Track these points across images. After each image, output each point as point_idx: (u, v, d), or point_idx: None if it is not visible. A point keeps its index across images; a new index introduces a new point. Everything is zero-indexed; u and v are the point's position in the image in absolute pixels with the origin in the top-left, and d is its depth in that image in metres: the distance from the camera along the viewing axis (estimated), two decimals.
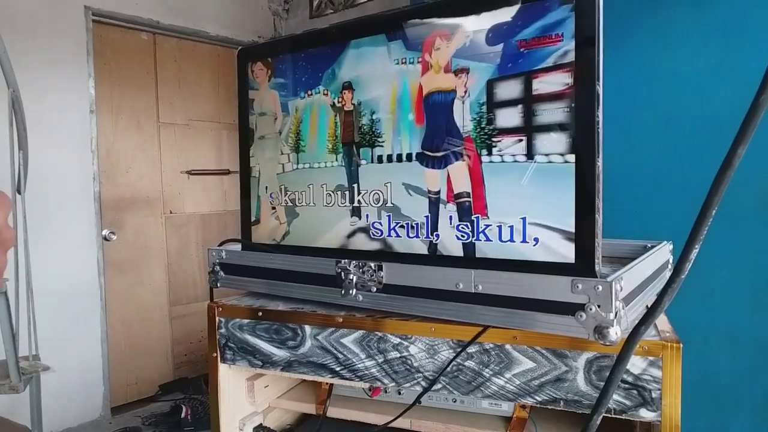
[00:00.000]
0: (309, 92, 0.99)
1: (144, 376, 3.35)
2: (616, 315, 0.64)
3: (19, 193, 2.33)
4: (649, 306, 0.86)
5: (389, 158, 0.89)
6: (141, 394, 3.32)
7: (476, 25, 0.79)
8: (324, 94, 0.97)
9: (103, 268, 3.12)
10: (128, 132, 3.28)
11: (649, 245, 1.03)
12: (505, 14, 0.76)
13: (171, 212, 3.49)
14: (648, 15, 1.99)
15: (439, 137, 0.83)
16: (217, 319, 1.02)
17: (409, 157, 0.87)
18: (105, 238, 3.11)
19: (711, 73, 1.89)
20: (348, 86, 0.93)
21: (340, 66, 0.94)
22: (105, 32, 3.13)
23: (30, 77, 2.68)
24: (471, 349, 0.81)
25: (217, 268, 1.09)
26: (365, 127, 0.92)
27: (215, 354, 1.03)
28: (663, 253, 0.99)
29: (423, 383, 0.85)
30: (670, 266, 1.01)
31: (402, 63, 0.87)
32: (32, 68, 2.74)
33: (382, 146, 0.90)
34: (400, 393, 1.05)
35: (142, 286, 3.37)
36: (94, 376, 3.09)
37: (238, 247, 1.12)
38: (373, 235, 0.92)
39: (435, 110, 0.84)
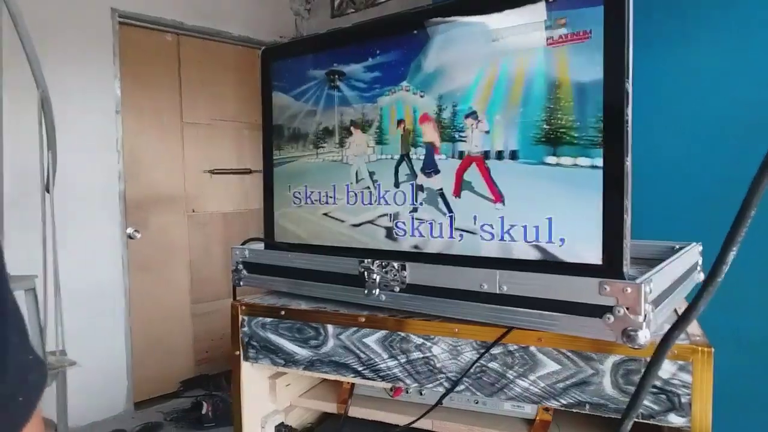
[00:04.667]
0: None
1: (166, 373, 3.40)
2: (645, 318, 0.63)
3: (48, 191, 2.39)
4: (677, 309, 0.84)
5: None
6: (163, 389, 3.37)
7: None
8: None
9: (128, 266, 3.18)
10: (152, 132, 3.33)
11: (677, 246, 1.00)
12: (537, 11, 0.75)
13: (194, 211, 3.54)
14: (672, 13, 1.95)
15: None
16: (240, 317, 1.03)
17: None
18: (129, 237, 3.17)
19: (736, 70, 1.85)
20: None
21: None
22: (130, 33, 3.19)
23: (57, 78, 2.75)
24: (495, 351, 0.80)
25: (241, 266, 1.10)
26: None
27: (238, 352, 1.04)
28: (692, 255, 0.97)
29: (446, 384, 0.84)
30: (699, 268, 0.98)
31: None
32: (60, 69, 2.80)
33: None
34: (421, 393, 1.04)
35: (165, 284, 3.42)
36: (117, 371, 3.15)
37: (261, 246, 1.12)
38: (397, 234, 0.92)
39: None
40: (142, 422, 3.01)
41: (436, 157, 0.86)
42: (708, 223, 1.60)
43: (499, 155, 0.79)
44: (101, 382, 3.04)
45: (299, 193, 1.07)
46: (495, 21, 0.80)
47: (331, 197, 1.01)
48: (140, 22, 3.21)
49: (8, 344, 0.41)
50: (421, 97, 0.87)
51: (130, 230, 3.17)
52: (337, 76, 0.97)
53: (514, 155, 0.78)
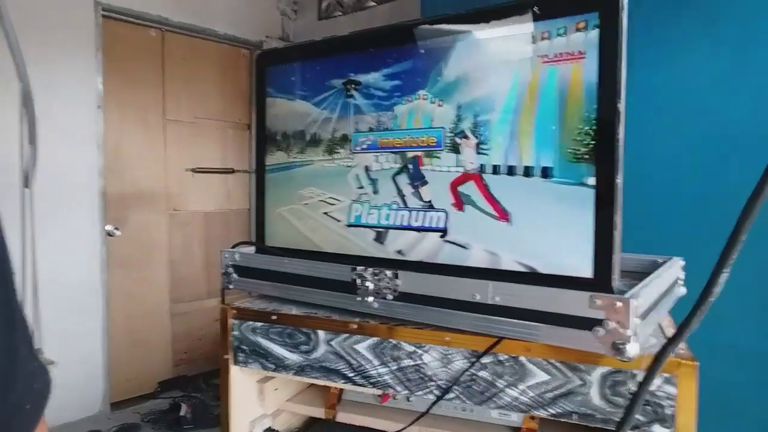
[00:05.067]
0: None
1: (144, 373, 3.35)
2: (634, 331, 0.65)
3: (27, 186, 2.34)
4: (661, 323, 0.87)
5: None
6: (140, 390, 3.32)
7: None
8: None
9: (106, 263, 3.12)
10: (135, 128, 3.29)
11: (660, 260, 1.03)
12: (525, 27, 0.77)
13: (175, 209, 3.50)
14: (659, 26, 2.00)
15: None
16: (230, 321, 1.03)
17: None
18: (109, 234, 3.12)
19: (721, 85, 1.89)
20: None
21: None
22: (114, 28, 3.14)
23: (39, 71, 2.68)
24: (485, 360, 0.82)
25: (230, 269, 1.10)
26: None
27: (227, 356, 1.04)
28: (674, 269, 1.00)
29: (436, 392, 0.86)
30: (680, 282, 1.01)
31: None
32: (41, 62, 2.74)
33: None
34: (409, 400, 1.05)
35: (144, 283, 3.37)
36: (94, 371, 3.09)
37: (251, 249, 1.12)
38: (389, 241, 0.93)
39: None
40: (118, 423, 2.96)
41: (422, 168, 0.88)
42: (689, 236, 1.65)
43: (495, 170, 0.81)
44: (77, 382, 2.99)
45: (302, 191, 1.07)
46: (489, 34, 0.82)
47: (333, 199, 1.02)
48: (124, 17, 3.16)
49: (18, 355, 0.42)
50: (441, 105, 0.88)
51: (109, 227, 3.12)
52: (353, 86, 0.97)
53: (510, 171, 0.79)
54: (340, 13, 3.72)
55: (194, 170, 3.58)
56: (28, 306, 2.31)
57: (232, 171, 3.77)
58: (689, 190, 1.96)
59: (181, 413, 2.95)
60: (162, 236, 3.45)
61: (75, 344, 2.98)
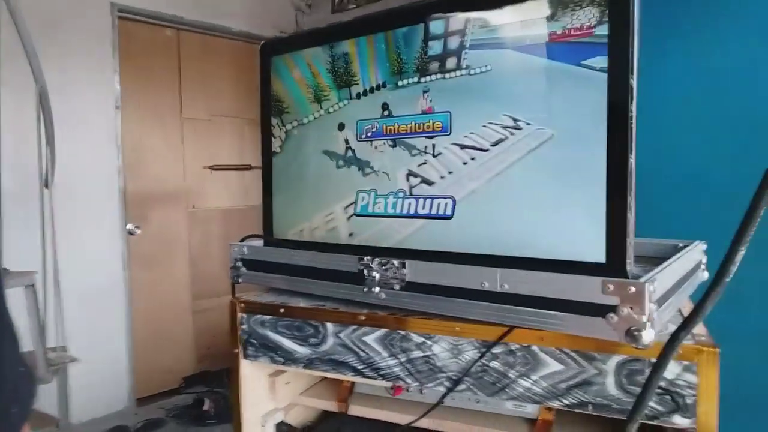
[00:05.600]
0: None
1: (168, 369, 3.40)
2: (649, 317, 0.62)
3: (47, 187, 2.38)
4: (681, 309, 0.83)
5: None
6: (165, 386, 3.37)
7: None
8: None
9: (128, 261, 3.17)
10: (152, 127, 3.32)
11: (680, 245, 0.99)
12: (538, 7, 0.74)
13: (194, 207, 3.53)
14: (685, 9, 1.93)
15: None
16: (239, 314, 1.02)
17: None
18: (130, 232, 3.16)
19: (746, 69, 1.83)
20: None
21: None
22: (130, 28, 3.17)
23: (57, 73, 2.73)
24: (496, 350, 0.79)
25: (239, 263, 1.09)
26: None
27: (237, 350, 1.03)
28: (696, 253, 0.95)
29: (446, 383, 0.83)
30: (703, 266, 0.97)
31: None
32: (59, 64, 2.79)
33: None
34: (422, 392, 1.03)
35: (165, 280, 3.41)
36: (119, 367, 3.15)
37: (260, 242, 1.11)
38: (397, 229, 0.90)
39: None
40: (144, 418, 3.01)
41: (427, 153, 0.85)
42: (712, 222, 1.59)
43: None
44: (103, 378, 3.04)
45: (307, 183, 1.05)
46: (496, 16, 0.79)
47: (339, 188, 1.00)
48: (140, 17, 3.19)
49: (3, 358, 0.43)
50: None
51: (130, 226, 3.17)
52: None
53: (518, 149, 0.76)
54: (354, 6, 3.70)
55: (212, 167, 3.61)
56: (50, 305, 2.36)
57: (249, 167, 3.79)
58: (714, 175, 1.90)
59: (205, 408, 2.99)
60: (182, 234, 3.49)
61: (99, 342, 3.04)
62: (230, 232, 3.67)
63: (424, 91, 0.86)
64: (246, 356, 1.03)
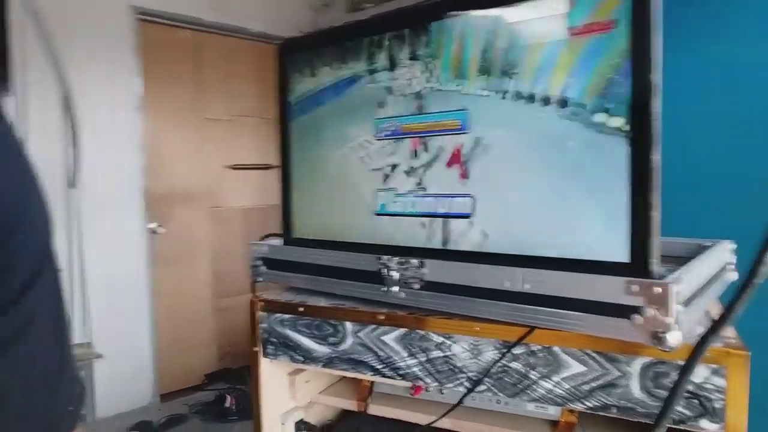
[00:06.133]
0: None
1: (191, 366, 3.44)
2: (675, 319, 0.60)
3: (73, 187, 2.43)
4: (709, 311, 0.81)
5: None
6: (188, 382, 3.42)
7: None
8: None
9: (151, 260, 3.22)
10: (173, 128, 3.36)
11: (707, 244, 0.96)
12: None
13: (215, 206, 3.57)
14: (706, 6, 1.88)
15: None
16: (258, 313, 1.03)
17: None
18: (153, 232, 3.21)
19: None
20: None
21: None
22: (150, 30, 3.21)
23: (80, 76, 2.78)
24: (517, 351, 0.78)
25: (259, 262, 1.09)
26: None
27: (257, 348, 1.04)
28: (723, 253, 0.93)
29: (467, 384, 0.83)
30: (732, 267, 0.94)
31: None
32: (81, 68, 2.83)
33: None
34: (441, 392, 1.02)
35: (187, 279, 3.46)
36: (143, 364, 3.20)
37: (280, 241, 1.12)
38: (418, 227, 0.90)
39: None
40: (167, 414, 3.05)
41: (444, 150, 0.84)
42: (740, 221, 1.55)
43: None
44: (127, 374, 3.10)
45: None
46: (515, 12, 0.77)
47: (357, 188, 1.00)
48: (159, 19, 3.23)
49: (62, 359, 0.47)
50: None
51: (153, 225, 3.21)
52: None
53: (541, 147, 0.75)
54: (371, 5, 3.69)
55: (233, 167, 3.64)
56: (76, 303, 2.41)
57: (269, 166, 3.81)
58: (742, 172, 1.85)
59: (226, 405, 3.02)
60: (204, 233, 3.53)
61: (124, 339, 3.09)
62: (251, 230, 3.70)
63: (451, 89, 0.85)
64: (266, 355, 1.03)
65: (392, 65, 0.91)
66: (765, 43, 1.80)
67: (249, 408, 3.13)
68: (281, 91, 1.09)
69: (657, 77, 0.63)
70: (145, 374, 3.21)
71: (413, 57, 0.88)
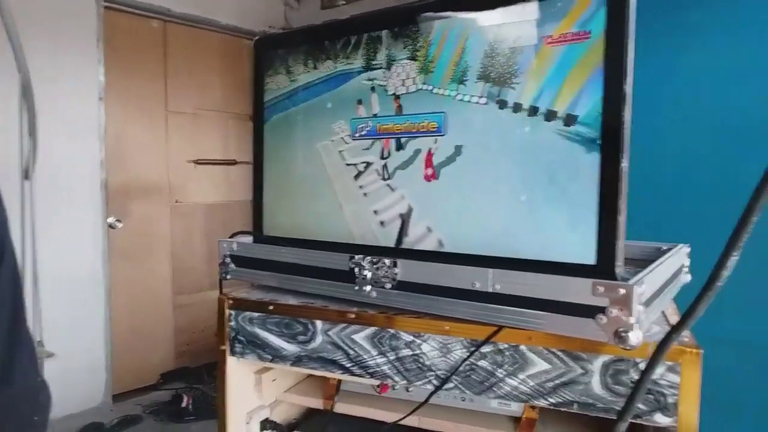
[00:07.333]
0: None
1: (146, 365, 3.36)
2: (637, 319, 0.64)
3: (27, 178, 2.33)
4: (665, 311, 0.85)
5: None
6: (143, 382, 3.33)
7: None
8: None
9: (108, 255, 3.12)
10: (136, 120, 3.28)
11: (664, 247, 1.01)
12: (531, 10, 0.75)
13: (177, 201, 3.49)
14: (668, 11, 1.96)
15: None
16: (227, 311, 1.02)
17: None
18: (111, 226, 3.11)
19: (734, 74, 1.87)
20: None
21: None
22: (116, 19, 3.12)
23: (40, 63, 2.67)
24: (485, 349, 0.80)
25: (228, 260, 1.08)
26: None
27: (224, 347, 1.03)
28: (680, 256, 0.98)
29: (435, 382, 0.84)
30: (686, 269, 0.99)
31: None
32: (42, 54, 2.73)
33: None
34: (408, 390, 1.04)
35: (146, 275, 3.37)
36: (96, 363, 3.10)
37: (249, 239, 1.11)
38: (388, 228, 0.91)
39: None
40: (120, 415, 2.96)
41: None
42: (695, 224, 1.62)
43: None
44: (80, 374, 2.99)
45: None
46: (491, 18, 0.80)
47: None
48: (126, 7, 3.15)
49: (24, 369, 0.45)
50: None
51: (111, 219, 3.12)
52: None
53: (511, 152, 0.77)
54: (344, 2, 3.69)
55: (196, 162, 3.57)
56: (28, 298, 2.31)
57: (234, 162, 3.76)
58: (696, 180, 1.94)
59: (183, 404, 2.96)
60: (164, 228, 3.45)
61: (77, 336, 2.99)
62: (213, 227, 3.63)
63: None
64: (233, 353, 1.02)
65: (370, 66, 0.92)
66: (725, 49, 1.89)
67: (207, 408, 3.07)
68: (256, 87, 1.08)
69: (628, 87, 0.67)
70: (98, 374, 3.11)
71: (391, 59, 0.89)
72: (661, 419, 0.70)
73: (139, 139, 3.29)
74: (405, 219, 0.89)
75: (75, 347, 2.95)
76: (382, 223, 0.92)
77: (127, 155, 3.23)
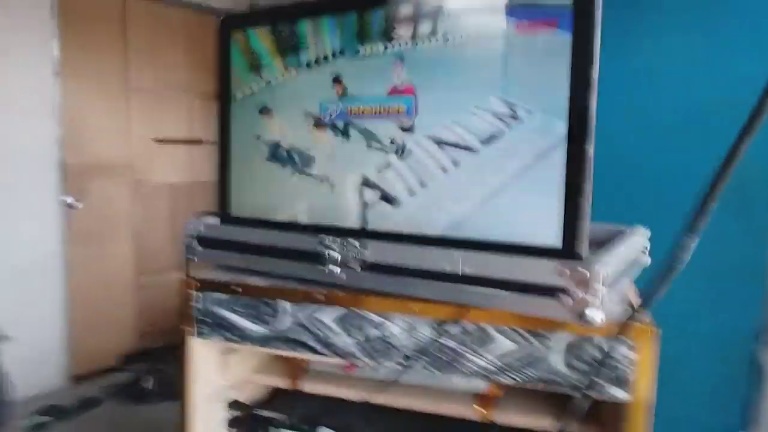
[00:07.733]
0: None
1: (108, 346, 3.29)
2: (600, 299, 0.66)
3: None
4: (625, 292, 0.88)
5: None
6: (104, 363, 3.26)
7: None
8: None
9: (67, 236, 3.02)
10: (96, 96, 3.15)
11: (626, 230, 1.04)
12: None
13: (139, 181, 3.39)
14: (626, 10, 2.02)
15: None
16: (193, 293, 1.00)
17: None
18: (69, 206, 3.01)
19: (692, 66, 1.94)
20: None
21: None
22: None
23: None
24: (451, 329, 0.81)
25: (194, 241, 1.06)
26: None
27: (188, 327, 1.01)
28: (639, 238, 1.01)
29: (402, 361, 0.85)
30: (646, 252, 1.03)
31: None
32: None
33: None
34: (375, 369, 1.05)
35: (107, 256, 3.28)
36: (54, 345, 3.02)
37: (215, 220, 1.09)
38: (358, 210, 0.91)
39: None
40: (80, 397, 2.90)
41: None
42: (653, 210, 1.68)
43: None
44: (37, 356, 2.91)
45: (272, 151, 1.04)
46: (462, 3, 0.80)
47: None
48: None
49: None
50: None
51: (69, 199, 3.01)
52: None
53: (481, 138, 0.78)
54: None
55: (159, 140, 3.47)
56: None
57: (199, 141, 3.67)
58: (653, 166, 2.01)
59: (145, 386, 2.92)
60: (126, 208, 3.35)
61: (34, 319, 2.90)
62: (177, 207, 3.55)
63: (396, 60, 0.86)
64: (199, 334, 1.01)
65: (343, 48, 0.91)
66: (676, 50, 1.97)
67: (170, 388, 3.03)
68: (222, 66, 1.05)
69: (594, 73, 0.68)
70: (57, 356, 3.03)
71: (362, 38, 0.88)
72: (618, 393, 0.73)
73: (99, 117, 3.17)
74: (372, 200, 0.89)
75: (32, 331, 2.86)
76: (351, 203, 0.91)
77: (85, 133, 3.11)
